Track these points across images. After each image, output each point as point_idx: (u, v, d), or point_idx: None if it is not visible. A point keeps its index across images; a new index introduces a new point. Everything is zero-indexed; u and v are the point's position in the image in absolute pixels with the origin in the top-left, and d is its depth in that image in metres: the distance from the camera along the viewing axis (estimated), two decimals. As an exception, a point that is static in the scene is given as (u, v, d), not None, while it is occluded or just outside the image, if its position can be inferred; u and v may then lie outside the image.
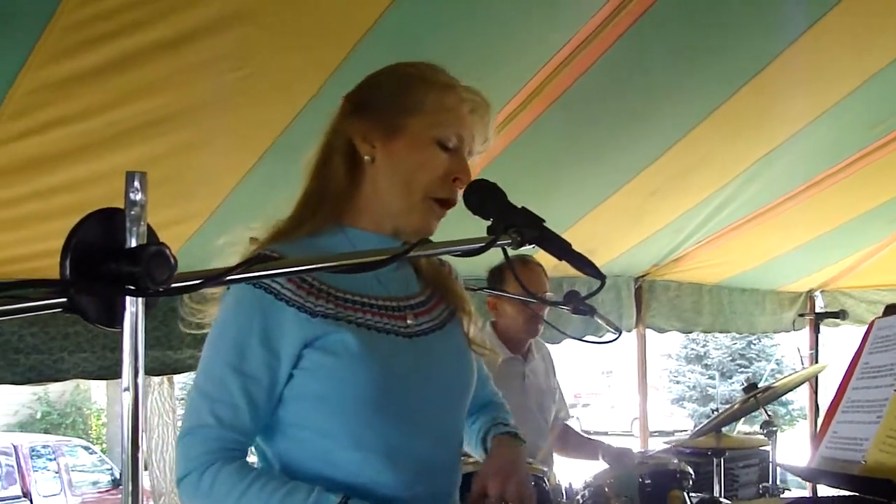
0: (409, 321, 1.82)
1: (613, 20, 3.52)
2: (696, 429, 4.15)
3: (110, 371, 3.68)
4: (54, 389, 22.81)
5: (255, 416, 1.70)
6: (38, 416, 23.31)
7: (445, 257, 2.01)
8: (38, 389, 22.67)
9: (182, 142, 3.14)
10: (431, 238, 1.75)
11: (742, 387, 4.23)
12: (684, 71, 4.02)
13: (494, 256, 1.59)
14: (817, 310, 7.53)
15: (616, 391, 28.03)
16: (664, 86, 4.10)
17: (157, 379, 12.60)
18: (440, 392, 1.83)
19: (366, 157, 1.79)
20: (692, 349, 28.56)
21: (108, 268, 0.89)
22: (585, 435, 4.59)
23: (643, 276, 6.45)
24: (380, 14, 2.93)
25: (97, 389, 23.05)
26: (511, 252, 1.59)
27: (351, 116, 1.81)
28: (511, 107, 3.86)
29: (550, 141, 4.21)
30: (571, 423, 4.40)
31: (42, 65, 2.55)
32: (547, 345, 4.31)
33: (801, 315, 7.52)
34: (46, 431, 21.56)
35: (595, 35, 3.57)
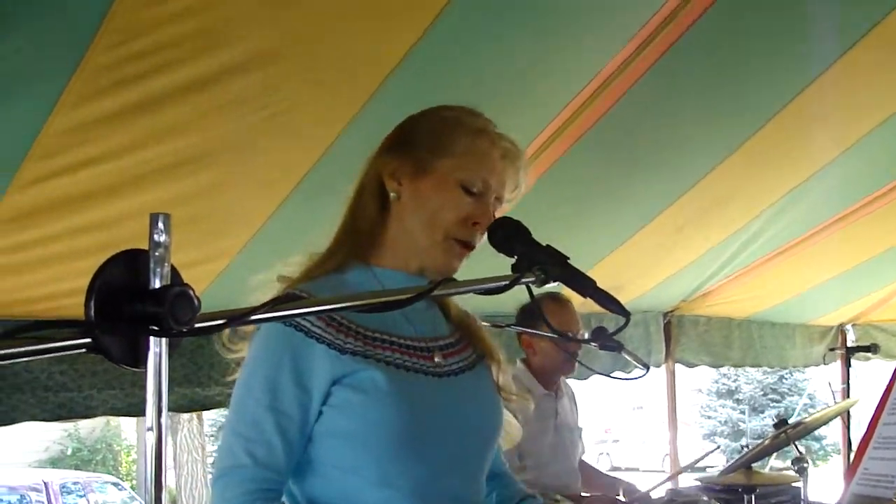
0: (437, 360, 1.82)
1: (639, 56, 3.53)
2: (727, 465, 4.11)
3: (138, 408, 3.69)
4: (84, 426, 22.91)
5: (289, 453, 1.70)
6: (69, 452, 23.40)
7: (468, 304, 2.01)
8: (69, 426, 22.78)
9: (209, 181, 3.16)
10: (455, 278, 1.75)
11: (773, 422, 4.19)
12: (710, 105, 4.03)
13: (524, 293, 1.60)
14: (848, 344, 7.46)
15: (646, 426, 27.78)
16: (690, 121, 4.10)
17: (185, 416, 12.66)
18: (468, 432, 1.82)
19: (392, 194, 1.82)
20: (723, 384, 28.29)
21: (132, 308, 0.90)
22: (605, 472, 4.56)
23: (672, 311, 6.41)
24: (405, 53, 2.95)
25: (127, 426, 23.16)
26: (540, 290, 1.59)
27: (384, 154, 1.85)
28: (537, 144, 3.88)
29: (577, 177, 4.22)
30: (602, 458, 4.38)
31: (72, 106, 2.59)
32: (575, 381, 4.31)
33: (832, 349, 7.45)
34: (77, 468, 21.65)
35: (620, 71, 3.58)
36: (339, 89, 3.04)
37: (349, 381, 1.69)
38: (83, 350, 0.89)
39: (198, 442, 13.30)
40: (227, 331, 1.78)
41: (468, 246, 1.81)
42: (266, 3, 2.60)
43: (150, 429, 0.92)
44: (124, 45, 2.46)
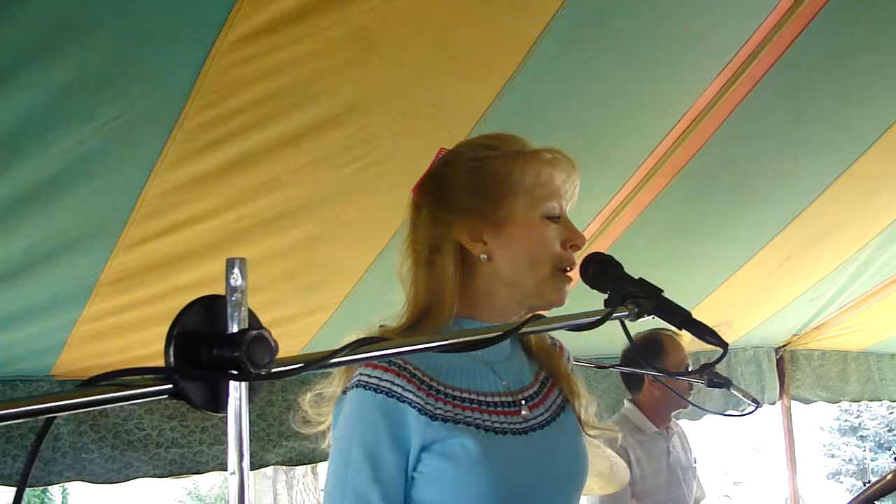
0: (523, 413, 1.77)
1: (732, 87, 3.48)
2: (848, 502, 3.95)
3: (251, 463, 3.74)
4: (203, 483, 23.34)
5: None
6: (190, 510, 23.83)
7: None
8: (188, 483, 23.24)
9: (305, 236, 3.21)
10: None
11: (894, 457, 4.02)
12: (809, 132, 3.94)
13: (637, 329, 1.56)
14: (973, 372, 7.14)
15: (767, 468, 27.03)
16: (789, 150, 4.02)
17: (300, 471, 12.77)
18: (556, 486, 1.78)
19: (482, 256, 1.76)
20: (845, 421, 27.42)
21: (211, 354, 0.91)
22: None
23: (784, 345, 6.24)
24: (495, 96, 2.97)
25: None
26: (634, 324, 1.56)
27: (447, 218, 1.77)
28: (635, 180, 3.85)
29: (676, 213, 4.16)
30: (723, 501, 4.28)
31: (170, 168, 2.66)
32: (689, 422, 4.22)
33: (956, 379, 7.14)
34: (197, 525, 22.02)
35: (715, 102, 3.54)
36: (430, 138, 3.06)
37: (439, 448, 1.65)
38: (165, 396, 0.90)
39: (313, 497, 13.39)
40: (309, 398, 1.77)
41: (572, 271, 1.77)
42: (353, 57, 2.64)
43: (233, 473, 0.92)
44: (216, 105, 2.53)
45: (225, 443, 3.08)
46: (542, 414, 1.81)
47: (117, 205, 2.77)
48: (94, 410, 3.34)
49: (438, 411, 1.66)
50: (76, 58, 2.27)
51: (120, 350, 3.31)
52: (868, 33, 3.49)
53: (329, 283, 3.57)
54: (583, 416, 1.89)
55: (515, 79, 2.94)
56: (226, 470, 3.08)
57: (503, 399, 1.76)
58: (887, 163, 4.23)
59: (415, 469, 1.66)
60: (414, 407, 1.64)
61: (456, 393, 1.71)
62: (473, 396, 1.73)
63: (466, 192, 1.77)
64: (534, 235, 1.76)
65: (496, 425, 1.71)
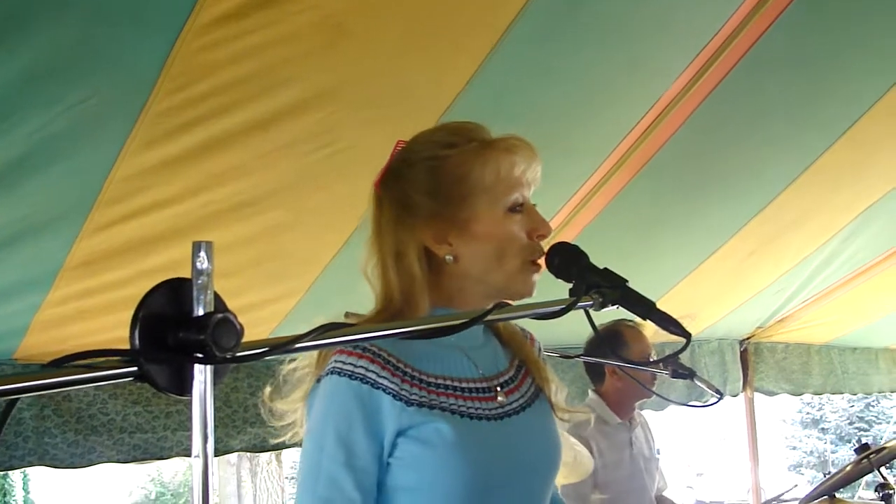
0: (499, 399, 1.79)
1: (699, 80, 3.50)
2: (808, 493, 4.01)
3: (215, 449, 3.72)
4: (167, 470, 23.20)
5: None
6: (153, 496, 23.69)
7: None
8: (152, 470, 23.10)
9: (272, 222, 3.20)
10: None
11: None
12: (776, 126, 3.97)
13: (602, 319, 1.57)
14: (935, 366, 7.25)
15: (729, 459, 27.26)
16: (756, 143, 4.04)
17: (265, 458, 12.75)
18: (531, 471, 1.80)
19: (447, 258, 1.76)
20: (807, 413, 27.68)
21: (176, 336, 0.91)
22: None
23: (748, 338, 6.29)
24: (462, 87, 2.97)
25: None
26: (598, 314, 1.57)
27: (410, 223, 1.76)
28: (600, 173, 3.86)
29: (642, 205, 4.18)
30: (686, 492, 4.32)
31: (137, 152, 2.64)
32: (652, 412, 4.25)
33: (919, 372, 7.24)
34: (160, 512, 21.91)
35: (682, 96, 3.55)
36: (400, 125, 3.04)
37: (414, 433, 1.66)
38: (129, 379, 0.90)
39: (277, 484, 13.37)
40: (267, 392, 1.77)
41: (540, 261, 1.76)
42: (323, 43, 2.63)
43: (197, 456, 0.92)
44: (184, 90, 2.51)
45: (189, 428, 3.07)
46: (517, 400, 1.83)
47: (84, 188, 2.75)
48: (57, 395, 3.33)
49: (413, 397, 1.67)
50: (43, 40, 2.25)
51: (84, 335, 3.28)
52: (835, 29, 3.52)
53: (296, 270, 3.56)
54: (554, 400, 1.90)
55: (485, 67, 2.93)
56: (190, 455, 3.07)
57: (478, 385, 1.78)
58: (852, 158, 4.27)
59: (390, 455, 1.67)
60: (388, 393, 1.65)
61: (430, 379, 1.72)
62: (448, 382, 1.74)
63: (427, 194, 1.76)
64: (498, 231, 1.75)
65: (471, 411, 1.72)
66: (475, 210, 1.75)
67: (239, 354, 0.93)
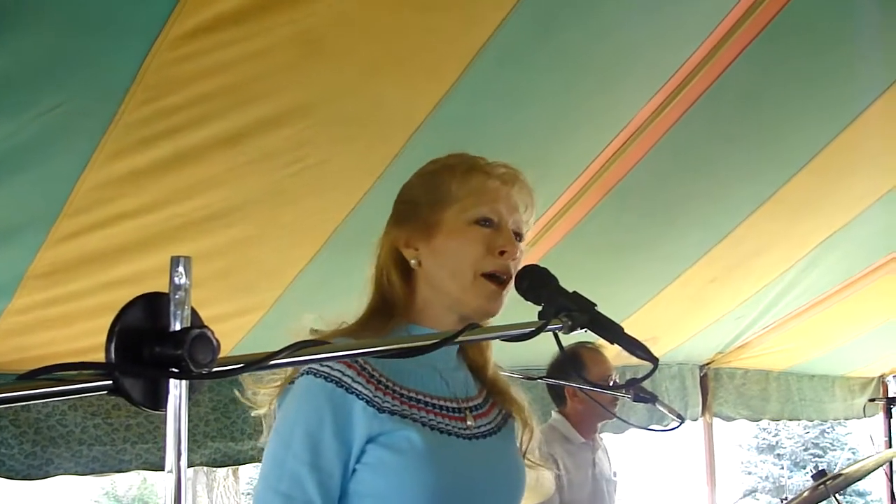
0: (469, 422, 1.81)
1: (667, 107, 3.54)
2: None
3: (173, 463, 3.69)
4: (122, 483, 22.97)
5: None
6: (106, 510, 23.43)
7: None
8: (106, 483, 22.84)
9: (240, 236, 3.19)
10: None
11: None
12: (740, 156, 4.02)
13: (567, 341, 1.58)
14: (890, 394, 7.35)
15: (686, 483, 27.40)
16: (722, 170, 4.09)
17: (222, 473, 12.65)
18: (495, 495, 1.81)
19: (412, 261, 1.81)
20: (763, 439, 27.90)
21: (152, 351, 0.91)
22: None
23: (708, 363, 6.36)
24: (433, 106, 2.98)
25: (164, 484, 23.17)
26: (568, 337, 1.58)
27: (392, 227, 1.86)
28: (568, 195, 3.89)
29: (608, 229, 4.22)
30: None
31: (105, 162, 2.63)
32: (611, 435, 4.27)
33: (872, 400, 7.33)
34: (113, 526, 21.65)
35: (651, 121, 3.59)
36: (369, 143, 3.07)
37: (385, 440, 1.67)
38: (103, 392, 0.89)
39: (234, 500, 13.26)
40: (249, 379, 1.78)
41: (501, 279, 1.77)
42: (296, 59, 2.63)
43: (170, 471, 0.92)
44: (156, 101, 2.50)
45: (149, 441, 3.05)
46: (485, 425, 1.85)
47: (50, 197, 2.73)
48: (16, 405, 3.29)
49: (386, 405, 1.68)
50: (15, 46, 2.23)
51: (46, 344, 3.26)
52: (796, 64, 3.58)
53: (262, 284, 3.55)
54: (526, 447, 1.94)
55: (456, 89, 2.95)
56: (149, 469, 3.05)
57: (450, 405, 1.80)
58: (812, 189, 4.33)
59: (358, 461, 1.67)
60: (361, 399, 1.66)
61: (405, 392, 1.73)
62: (421, 397, 1.75)
63: (408, 202, 1.86)
64: (457, 241, 1.78)
65: (441, 426, 1.75)
66: (442, 218, 1.79)
67: (215, 370, 0.93)
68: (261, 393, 1.78)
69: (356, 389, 1.66)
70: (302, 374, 1.69)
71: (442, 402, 1.78)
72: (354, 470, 1.68)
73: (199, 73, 2.49)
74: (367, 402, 1.66)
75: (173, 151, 2.70)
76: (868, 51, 3.59)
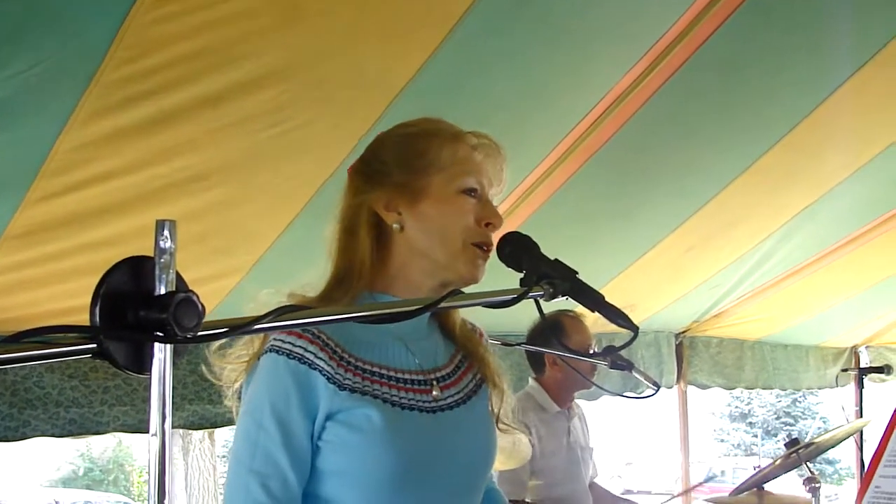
0: (434, 393, 1.80)
1: (647, 77, 3.54)
2: (738, 486, 4.09)
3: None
4: (97, 446, 22.96)
5: (302, 486, 1.68)
6: (81, 472, 23.43)
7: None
8: (81, 446, 22.83)
9: (219, 198, 3.18)
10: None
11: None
12: (718, 127, 4.03)
13: (547, 309, 1.59)
14: (862, 365, 7.43)
15: (659, 450, 27.68)
16: (701, 140, 4.10)
17: (197, 436, 12.65)
18: (461, 467, 1.81)
19: (394, 226, 1.79)
20: (736, 407, 28.21)
21: (137, 315, 0.91)
22: (618, 496, 4.54)
23: (684, 332, 6.41)
24: (415, 71, 2.97)
25: (139, 447, 23.22)
26: (549, 304, 1.58)
27: (367, 189, 1.81)
28: (548, 162, 3.89)
29: (587, 196, 4.23)
30: (614, 481, 4.38)
31: (83, 123, 2.61)
32: (586, 402, 4.30)
33: (845, 370, 7.40)
34: (88, 488, 21.69)
35: (631, 90, 3.59)
36: (350, 107, 3.06)
37: (344, 417, 1.68)
38: (88, 356, 0.89)
39: (209, 462, 13.27)
40: (215, 347, 1.77)
41: (487, 249, 1.78)
42: (277, 22, 2.61)
43: (154, 434, 0.92)
44: (135, 62, 2.48)
45: (127, 404, 3.05)
46: (453, 396, 1.84)
47: (27, 158, 2.71)
48: (-7, 366, 3.28)
49: (346, 382, 1.68)
50: (-11, 4, 2.21)
51: (23, 306, 3.24)
52: (778, 36, 3.58)
53: (240, 247, 3.54)
54: (499, 411, 1.93)
55: (436, 57, 2.94)
56: (126, 431, 3.05)
57: (414, 377, 1.79)
58: (789, 162, 4.35)
59: (319, 437, 1.68)
60: (323, 375, 1.67)
61: (367, 366, 1.73)
62: (384, 371, 1.75)
63: (387, 164, 1.81)
64: (446, 209, 1.78)
65: (403, 401, 1.74)
66: (428, 184, 1.78)
67: (200, 334, 0.93)
68: (227, 369, 1.78)
69: (318, 366, 1.67)
70: (265, 353, 1.69)
71: (405, 375, 1.78)
72: (318, 447, 1.69)
73: (179, 33, 2.48)
74: (329, 378, 1.67)
75: (153, 113, 2.68)
76: (845, 26, 3.60)
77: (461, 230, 1.77)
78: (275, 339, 1.69)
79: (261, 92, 2.81)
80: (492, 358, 1.98)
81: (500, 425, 1.93)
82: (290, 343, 1.67)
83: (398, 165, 1.80)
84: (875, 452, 2.16)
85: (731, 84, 3.79)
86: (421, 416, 1.76)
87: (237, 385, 1.77)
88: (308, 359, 1.67)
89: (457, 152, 1.79)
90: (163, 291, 0.93)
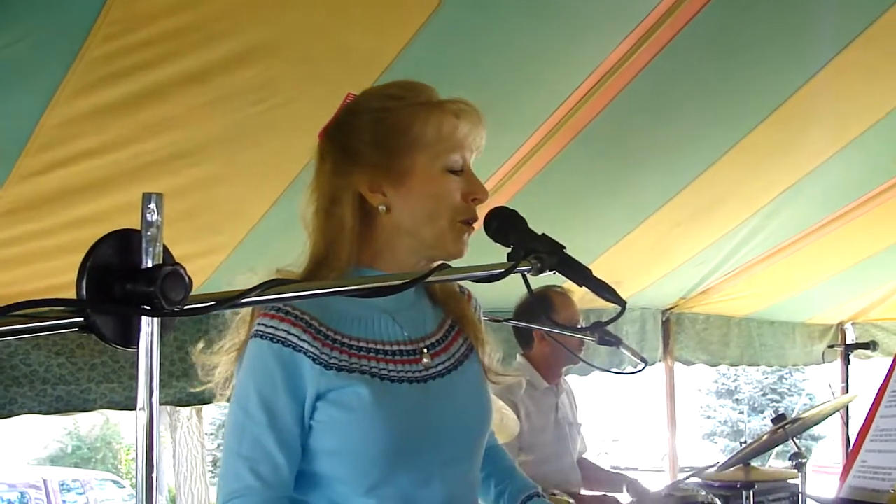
0: (424, 361, 1.80)
1: (635, 54, 3.52)
2: (725, 461, 4.11)
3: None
4: (84, 424, 22.93)
5: (293, 468, 1.69)
6: (69, 450, 23.42)
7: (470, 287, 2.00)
8: (69, 423, 22.80)
9: (207, 174, 3.17)
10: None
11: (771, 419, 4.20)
12: (705, 104, 4.03)
13: (534, 284, 1.59)
14: (848, 341, 7.46)
15: (646, 426, 27.83)
16: (687, 118, 4.10)
17: (185, 413, 12.66)
18: (455, 437, 1.80)
19: (380, 207, 1.76)
20: (723, 384, 28.34)
21: (124, 288, 0.91)
22: (608, 469, 4.56)
23: (670, 308, 6.43)
24: (402, 47, 2.96)
25: (127, 424, 23.22)
26: (536, 279, 1.58)
27: (348, 169, 1.77)
28: (535, 139, 3.88)
29: (573, 173, 4.22)
30: (601, 457, 4.41)
31: (69, 98, 2.59)
32: (576, 378, 4.31)
33: (831, 347, 7.42)
34: (76, 466, 21.69)
35: (617, 68, 3.58)
36: (335, 84, 3.01)
37: (334, 396, 1.68)
38: (75, 329, 0.89)
39: (197, 440, 13.29)
40: (200, 347, 1.78)
41: (473, 223, 1.78)
42: (263, -3, 2.60)
43: (142, 408, 0.92)
44: (121, 37, 2.46)
45: (114, 381, 3.04)
46: (443, 362, 1.83)
47: (12, 134, 2.70)
48: (-22, 344, 3.26)
49: (333, 360, 1.68)
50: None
51: (8, 284, 3.23)
52: (768, 12, 3.57)
53: (226, 224, 3.53)
54: (486, 362, 1.92)
55: (424, 31, 2.93)
56: (113, 409, 3.04)
57: (402, 348, 1.79)
58: (776, 138, 4.35)
59: (311, 418, 1.69)
60: (308, 356, 1.67)
61: (353, 343, 1.73)
62: (371, 345, 1.74)
63: (369, 142, 1.77)
64: (433, 188, 1.76)
65: (392, 374, 1.74)
66: (413, 163, 1.75)
67: (187, 307, 0.93)
68: (221, 364, 1.77)
69: (303, 347, 1.67)
70: (250, 338, 1.69)
71: (393, 347, 1.77)
72: (310, 426, 1.70)
73: (165, 9, 2.46)
74: (314, 359, 1.67)
75: (138, 89, 2.66)
76: (830, 6, 3.60)
77: (448, 209, 1.76)
78: (258, 325, 1.69)
79: (247, 68, 2.79)
80: (473, 314, 1.96)
81: (492, 376, 1.92)
82: (273, 327, 1.67)
83: (379, 143, 1.76)
84: (861, 427, 2.18)
85: (719, 61, 3.78)
86: (411, 388, 1.75)
87: (229, 372, 1.76)
88: (292, 341, 1.67)
89: (441, 127, 1.76)
90: (150, 265, 0.92)
